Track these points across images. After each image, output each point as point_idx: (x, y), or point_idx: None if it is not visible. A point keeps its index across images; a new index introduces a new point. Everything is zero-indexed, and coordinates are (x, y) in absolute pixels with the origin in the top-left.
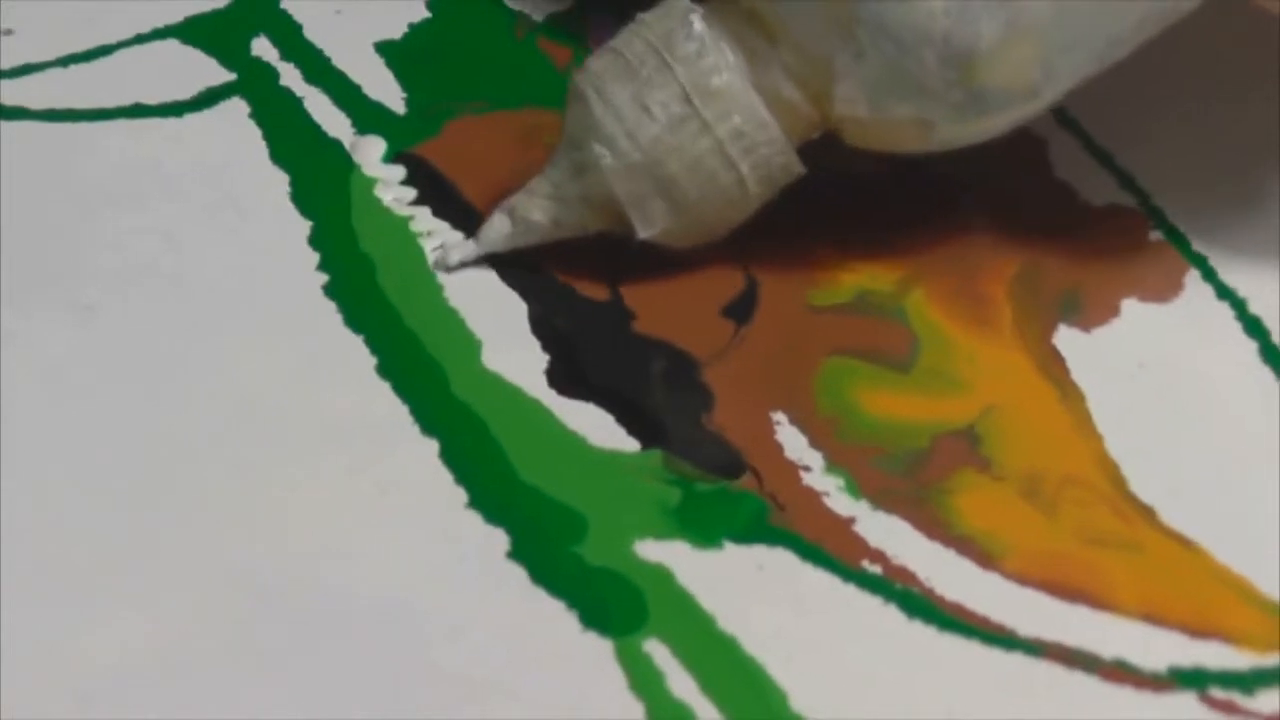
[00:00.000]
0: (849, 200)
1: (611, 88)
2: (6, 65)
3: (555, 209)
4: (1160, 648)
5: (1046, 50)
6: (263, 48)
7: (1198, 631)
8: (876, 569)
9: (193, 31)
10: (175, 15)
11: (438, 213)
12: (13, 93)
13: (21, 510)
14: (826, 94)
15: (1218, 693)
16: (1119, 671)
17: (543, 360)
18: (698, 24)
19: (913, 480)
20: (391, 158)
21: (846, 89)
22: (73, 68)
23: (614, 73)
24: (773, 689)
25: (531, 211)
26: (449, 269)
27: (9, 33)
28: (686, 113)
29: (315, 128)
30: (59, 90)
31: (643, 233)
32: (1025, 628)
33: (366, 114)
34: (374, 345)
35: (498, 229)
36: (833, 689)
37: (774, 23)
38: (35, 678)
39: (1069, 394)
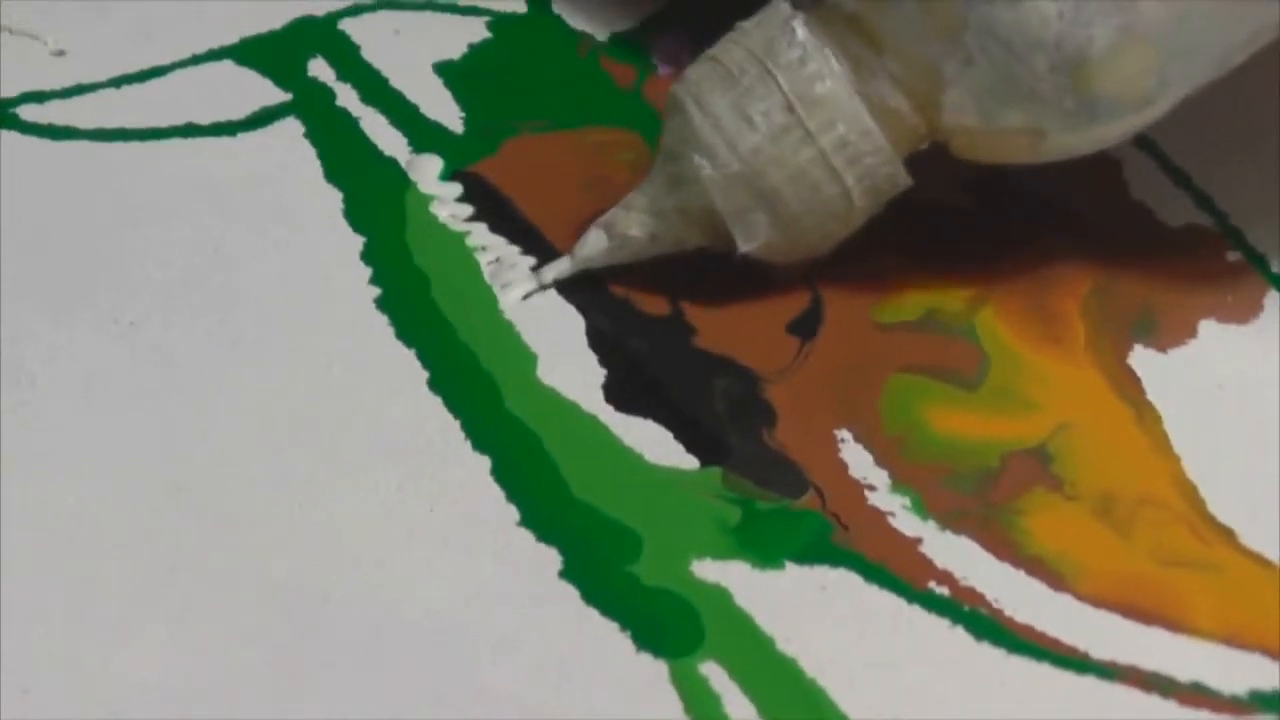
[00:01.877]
0: (918, 216)
1: (710, 97)
2: (58, 85)
3: (653, 223)
4: (1240, 670)
5: (1162, 57)
6: (319, 68)
7: (1279, 654)
8: (944, 590)
9: (248, 52)
10: (230, 36)
11: (494, 229)
12: (64, 113)
13: (63, 524)
14: (934, 103)
15: None
16: (1197, 695)
17: (600, 375)
18: (800, 31)
19: (982, 500)
20: (448, 176)
21: (955, 97)
22: (125, 88)
23: (713, 81)
24: (834, 713)
25: (629, 226)
26: (544, 286)
27: (61, 54)
28: (789, 122)
29: (371, 147)
30: (111, 110)
31: (744, 246)
32: (1099, 650)
33: (423, 133)
34: (426, 359)
35: (594, 244)
36: (896, 713)
37: (878, 29)
38: (74, 694)
39: (1145, 414)
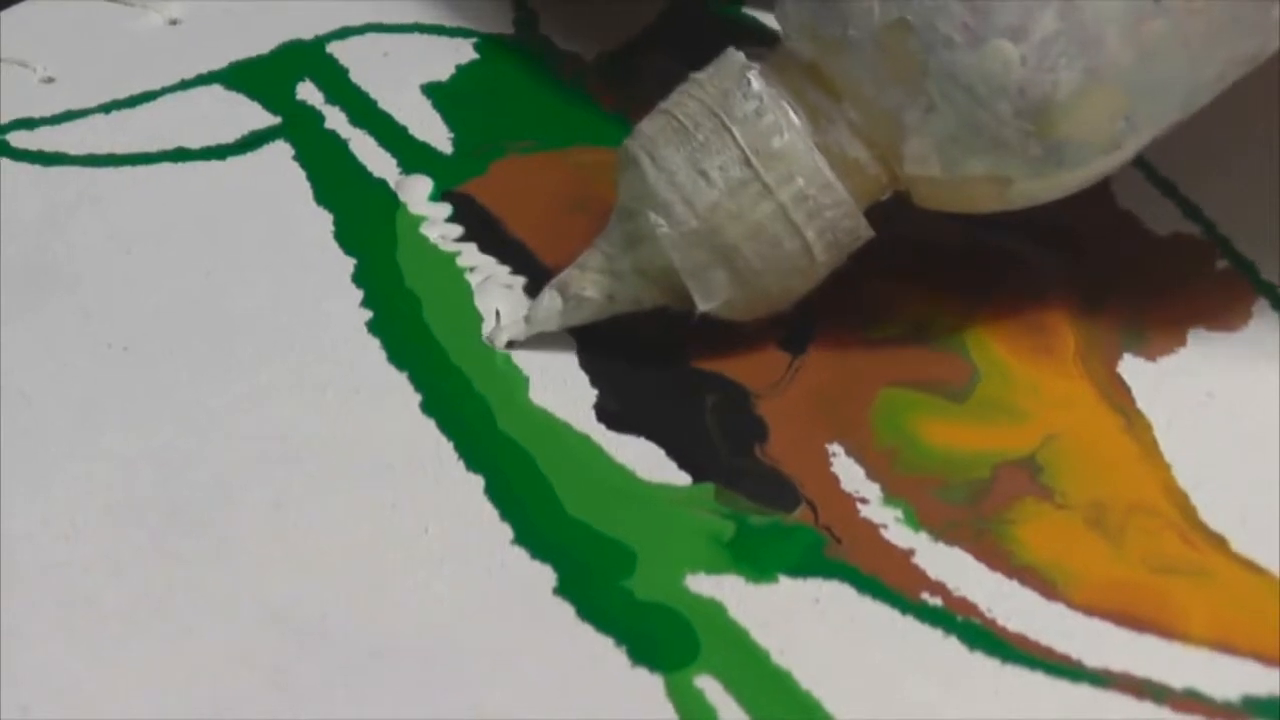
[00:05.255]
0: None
1: (665, 152)
2: (48, 112)
3: (609, 284)
4: (1233, 676)
5: (1129, 99)
6: (308, 91)
7: (1273, 660)
8: (937, 601)
9: (237, 77)
10: (219, 61)
11: (484, 248)
12: (55, 139)
13: (59, 548)
14: (895, 152)
15: None
16: (1191, 702)
17: (591, 395)
18: (755, 82)
19: (974, 511)
20: (438, 196)
21: (916, 146)
22: (115, 114)
23: (667, 136)
24: None
25: (584, 288)
26: (499, 348)
27: (50, 80)
28: (746, 176)
29: (360, 169)
30: (101, 136)
31: (703, 305)
32: (1092, 658)
33: (413, 155)
34: (418, 381)
35: (548, 307)
36: None
37: (837, 77)
38: (73, 715)
39: (1135, 423)
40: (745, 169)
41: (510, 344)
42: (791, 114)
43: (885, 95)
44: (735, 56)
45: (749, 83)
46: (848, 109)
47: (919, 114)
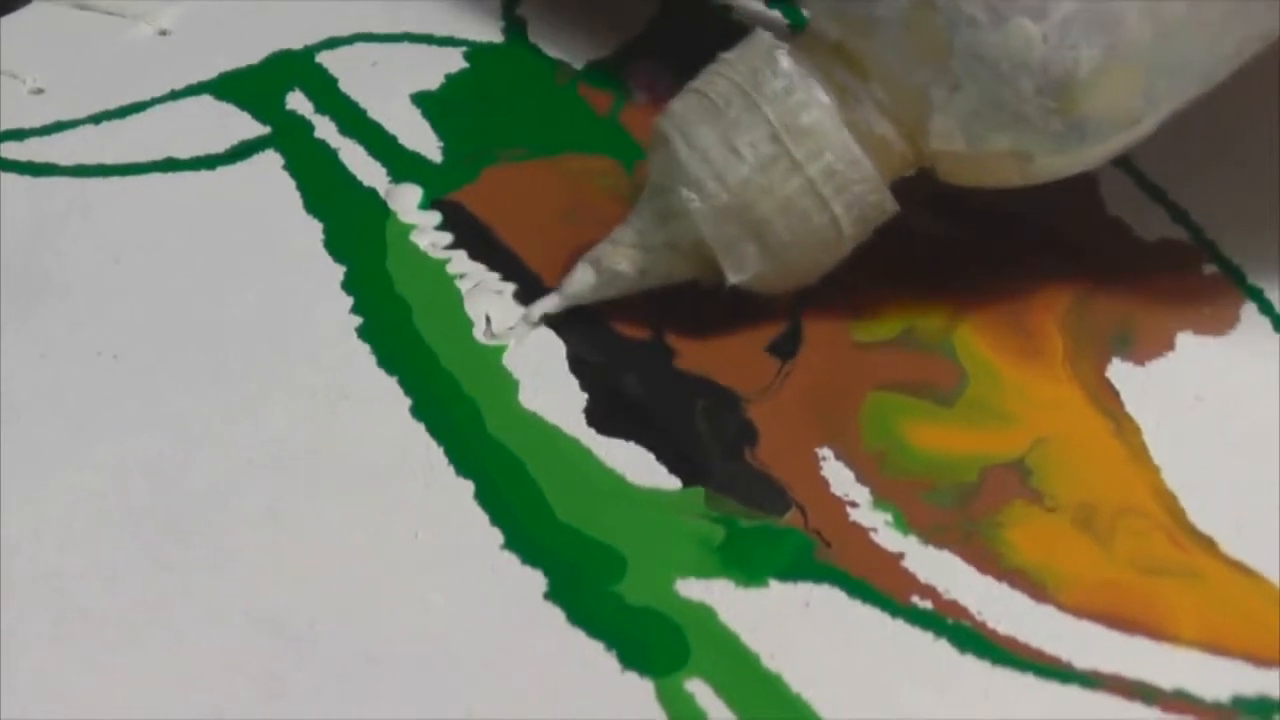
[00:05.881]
0: (896, 234)
1: (697, 129)
2: (38, 123)
3: (641, 258)
4: (1223, 677)
5: (1148, 75)
6: (297, 101)
7: (1262, 660)
8: (927, 604)
9: (226, 87)
10: (208, 71)
11: (474, 256)
12: (44, 150)
13: (49, 557)
14: (921, 128)
15: None
16: (1180, 702)
17: (581, 399)
18: (784, 61)
19: (963, 514)
20: (427, 204)
21: (941, 122)
22: (105, 124)
23: (699, 114)
24: None
25: (617, 261)
26: (533, 324)
27: (40, 92)
28: (776, 152)
29: (350, 178)
30: (91, 146)
31: (733, 278)
32: (1081, 660)
33: (402, 163)
34: (408, 387)
35: (582, 280)
36: None
37: (864, 56)
38: None
39: (1124, 426)
40: (775, 145)
41: (543, 318)
42: (820, 91)
43: (911, 74)
44: (764, 36)
45: (778, 61)
46: (874, 87)
47: (944, 91)
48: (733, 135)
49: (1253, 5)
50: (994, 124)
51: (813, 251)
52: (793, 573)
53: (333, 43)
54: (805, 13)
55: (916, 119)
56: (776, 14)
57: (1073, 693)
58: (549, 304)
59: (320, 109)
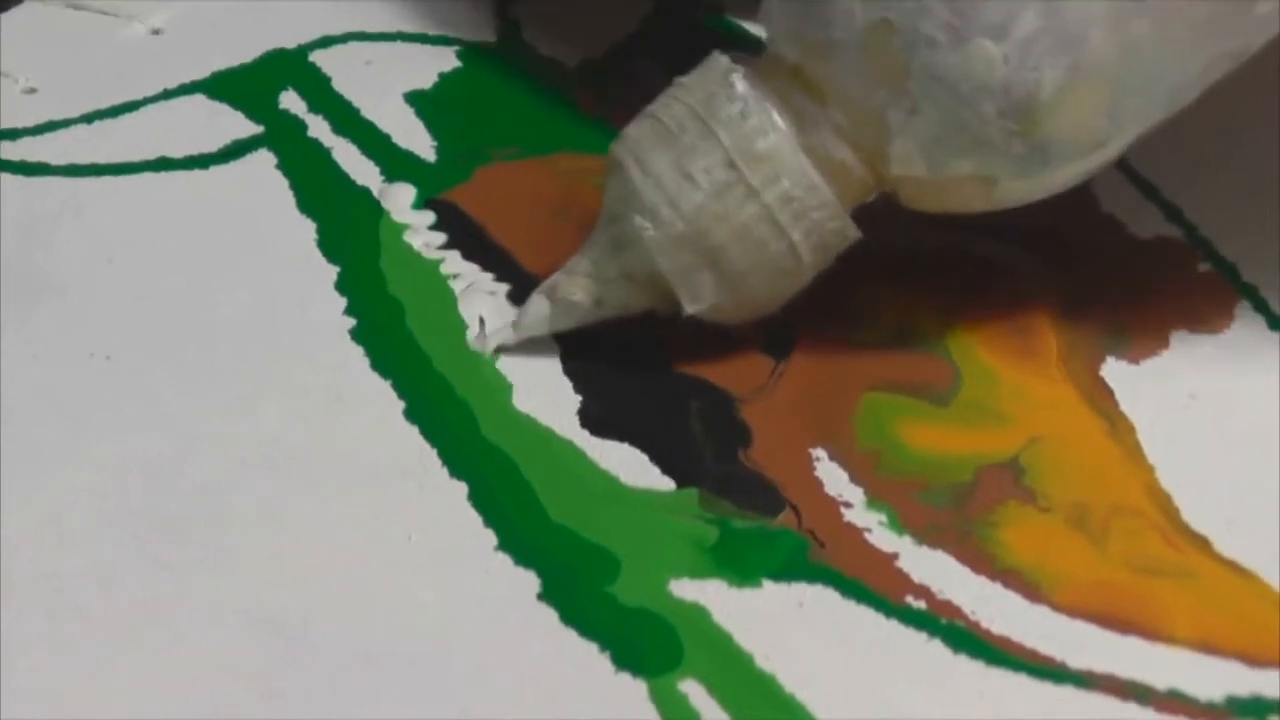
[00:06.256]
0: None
1: (651, 156)
2: (30, 123)
3: (597, 288)
4: (1217, 677)
5: (1113, 96)
6: (291, 100)
7: (1256, 660)
8: (921, 604)
9: (219, 86)
10: (201, 70)
11: (468, 256)
12: (37, 149)
13: (44, 557)
14: (880, 153)
15: None
16: (1175, 702)
17: (575, 401)
18: (740, 85)
19: (957, 514)
20: (421, 204)
21: (901, 147)
22: (98, 124)
23: (653, 139)
24: None
25: (572, 292)
26: (487, 354)
27: (32, 91)
28: (731, 178)
29: (343, 177)
30: (84, 146)
31: (690, 308)
32: (1075, 660)
33: (396, 163)
34: (402, 388)
35: (536, 312)
36: None
37: (821, 80)
38: None
39: (1118, 426)
40: (730, 171)
41: (499, 349)
42: (776, 116)
43: (869, 97)
44: (720, 60)
45: (733, 85)
46: (833, 111)
47: (903, 115)
48: (687, 161)
49: (1218, 25)
50: (955, 148)
51: (771, 280)
52: (787, 573)
53: (326, 42)
54: (763, 35)
55: (876, 144)
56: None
57: (1067, 693)
58: (503, 336)
59: (313, 108)
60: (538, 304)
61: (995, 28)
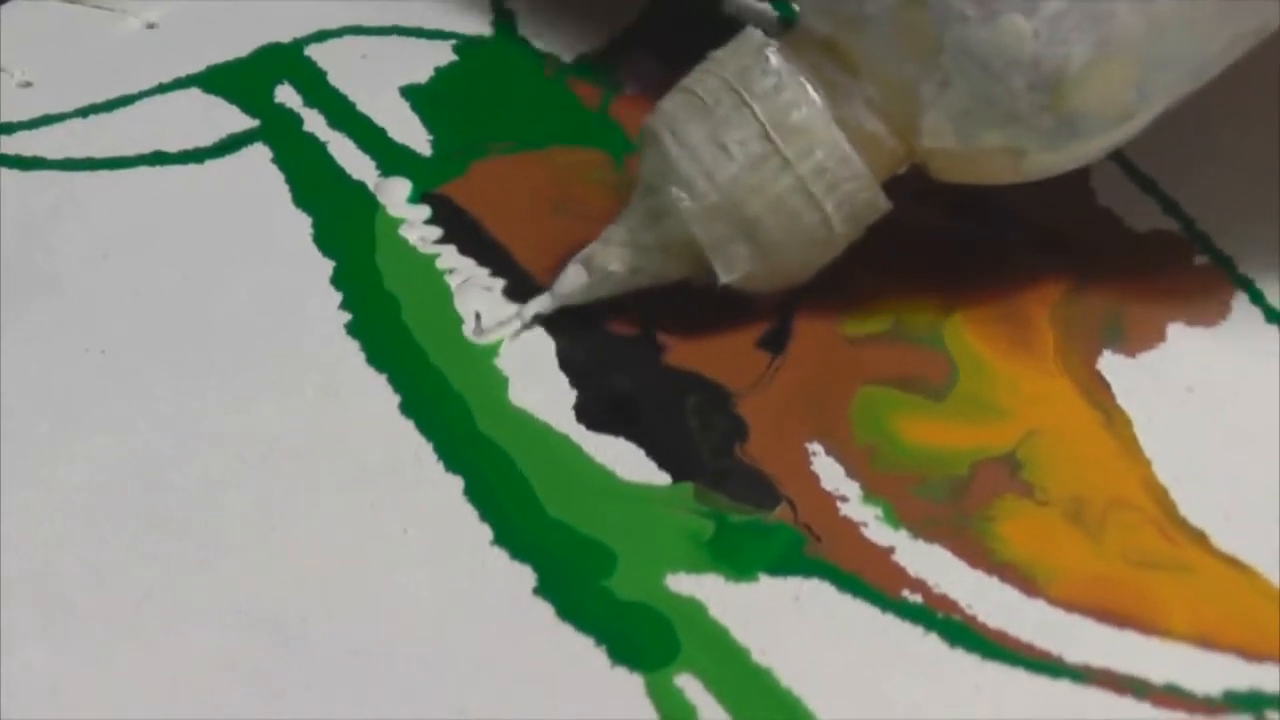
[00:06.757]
0: (886, 228)
1: (686, 128)
2: (25, 117)
3: (632, 257)
4: (1214, 671)
5: (1140, 70)
6: (286, 94)
7: (1253, 654)
8: (917, 598)
9: (215, 80)
10: (197, 64)
11: (464, 250)
12: (32, 143)
13: (39, 553)
14: (912, 126)
15: (1276, 716)
16: (1171, 697)
17: (571, 396)
18: (774, 58)
19: (953, 508)
20: (417, 198)
21: (933, 119)
22: (93, 118)
23: (688, 112)
24: None
25: (609, 261)
26: (525, 324)
27: (28, 85)
28: (766, 150)
29: (339, 171)
30: (79, 140)
31: (725, 277)
32: (1072, 654)
33: (391, 157)
34: (397, 383)
35: (574, 280)
36: None
37: (854, 54)
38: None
39: (1115, 419)
40: (765, 143)
41: (535, 319)
42: (809, 89)
43: (901, 70)
44: (754, 34)
45: (768, 59)
46: (865, 84)
47: (934, 88)
48: (722, 133)
49: (1241, 3)
50: (985, 121)
51: (804, 250)
52: (783, 567)
53: (322, 36)
54: (796, 9)
55: (907, 116)
56: (766, 6)
57: (1063, 687)
58: (541, 304)
59: (309, 102)
60: (575, 272)
61: (1025, 3)
